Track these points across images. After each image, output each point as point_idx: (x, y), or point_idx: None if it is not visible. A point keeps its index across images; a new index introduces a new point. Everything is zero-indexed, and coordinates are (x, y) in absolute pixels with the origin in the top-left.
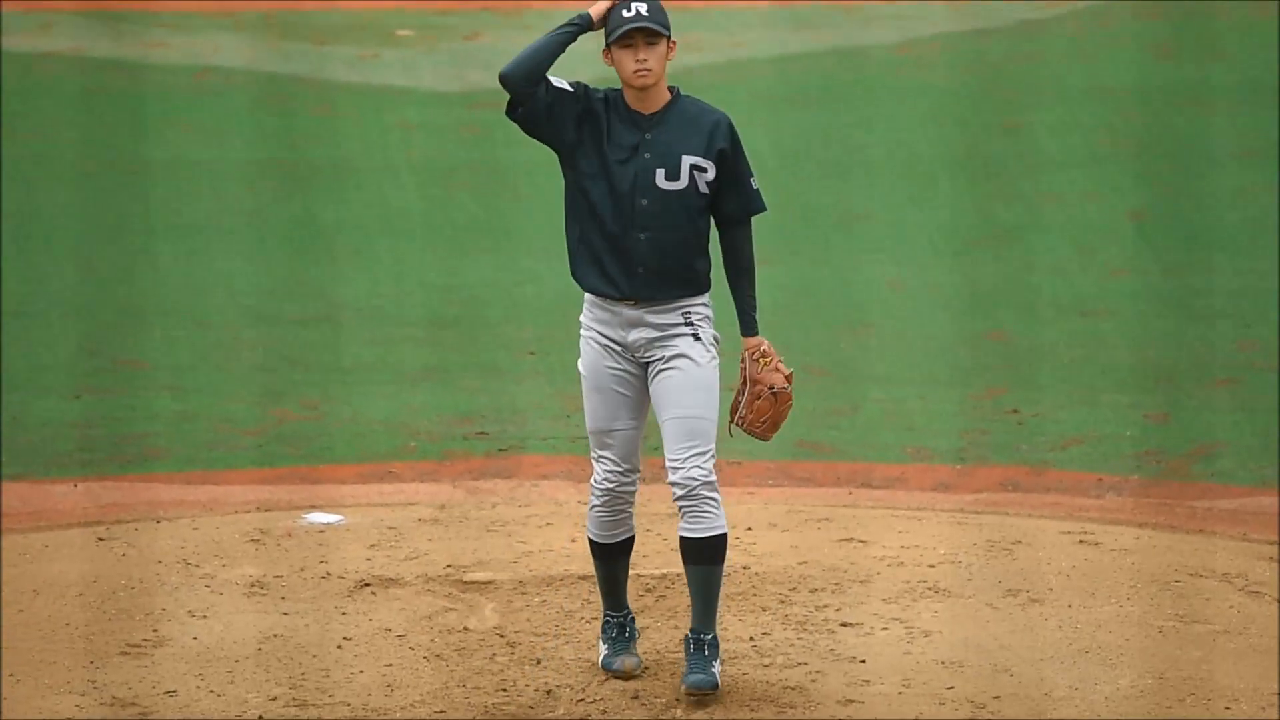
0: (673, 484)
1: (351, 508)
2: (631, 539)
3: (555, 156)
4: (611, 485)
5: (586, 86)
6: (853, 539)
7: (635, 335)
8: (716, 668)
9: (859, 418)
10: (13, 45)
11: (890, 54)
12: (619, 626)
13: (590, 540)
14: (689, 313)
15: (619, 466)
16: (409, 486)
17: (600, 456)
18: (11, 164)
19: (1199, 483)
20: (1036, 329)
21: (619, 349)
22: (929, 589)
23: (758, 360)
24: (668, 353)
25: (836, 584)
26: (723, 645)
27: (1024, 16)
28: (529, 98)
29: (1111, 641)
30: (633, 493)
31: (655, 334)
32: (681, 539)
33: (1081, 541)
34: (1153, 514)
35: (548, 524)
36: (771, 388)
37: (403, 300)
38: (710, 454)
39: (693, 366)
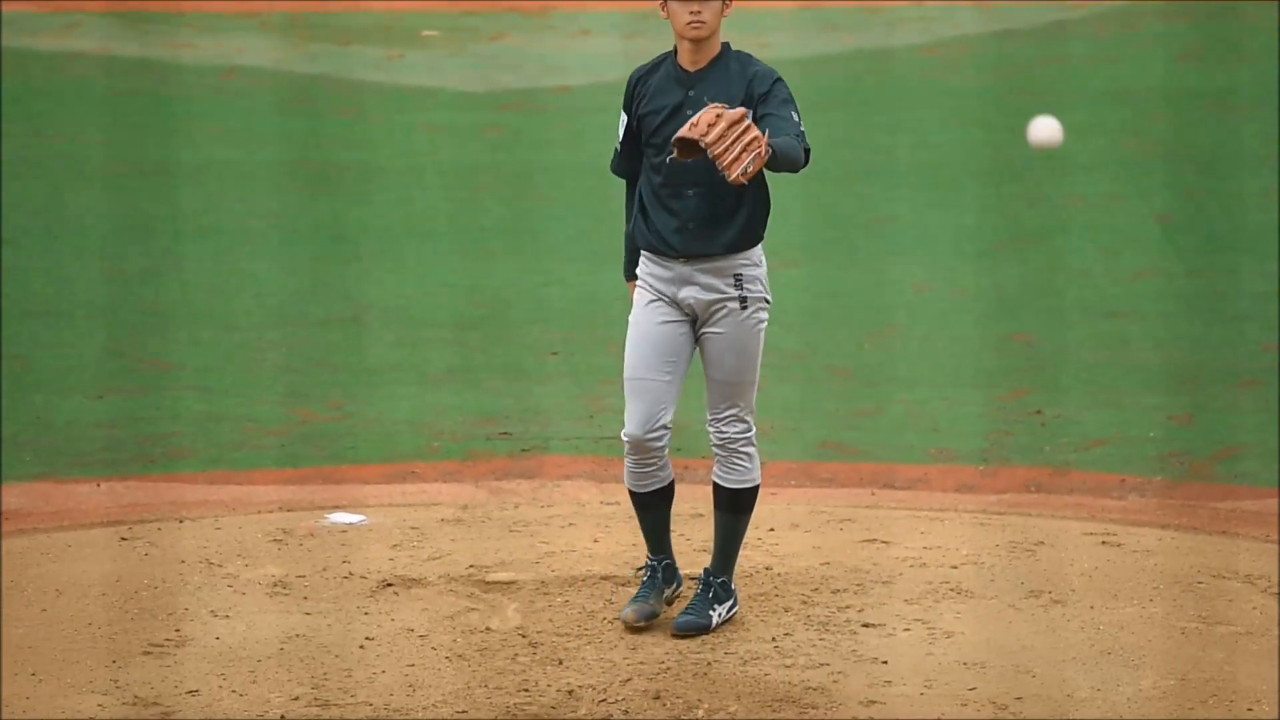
0: (712, 438)
1: (374, 508)
2: (667, 489)
3: (578, 160)
4: (637, 435)
5: (632, 89)
6: (875, 540)
7: (685, 293)
8: (718, 611)
9: (882, 419)
10: (40, 45)
11: (916, 56)
12: (650, 570)
13: (627, 489)
14: (740, 274)
15: (644, 417)
16: (432, 487)
17: (629, 405)
18: (38, 164)
19: (1223, 484)
20: (1061, 331)
21: (668, 304)
22: (951, 590)
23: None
24: (717, 313)
25: (859, 585)
26: (744, 645)
27: (1050, 18)
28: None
29: (1134, 643)
30: (661, 448)
31: (705, 295)
32: (714, 485)
33: (1104, 543)
34: (1176, 515)
35: (570, 524)
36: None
37: (428, 301)
38: (748, 415)
39: (732, 333)
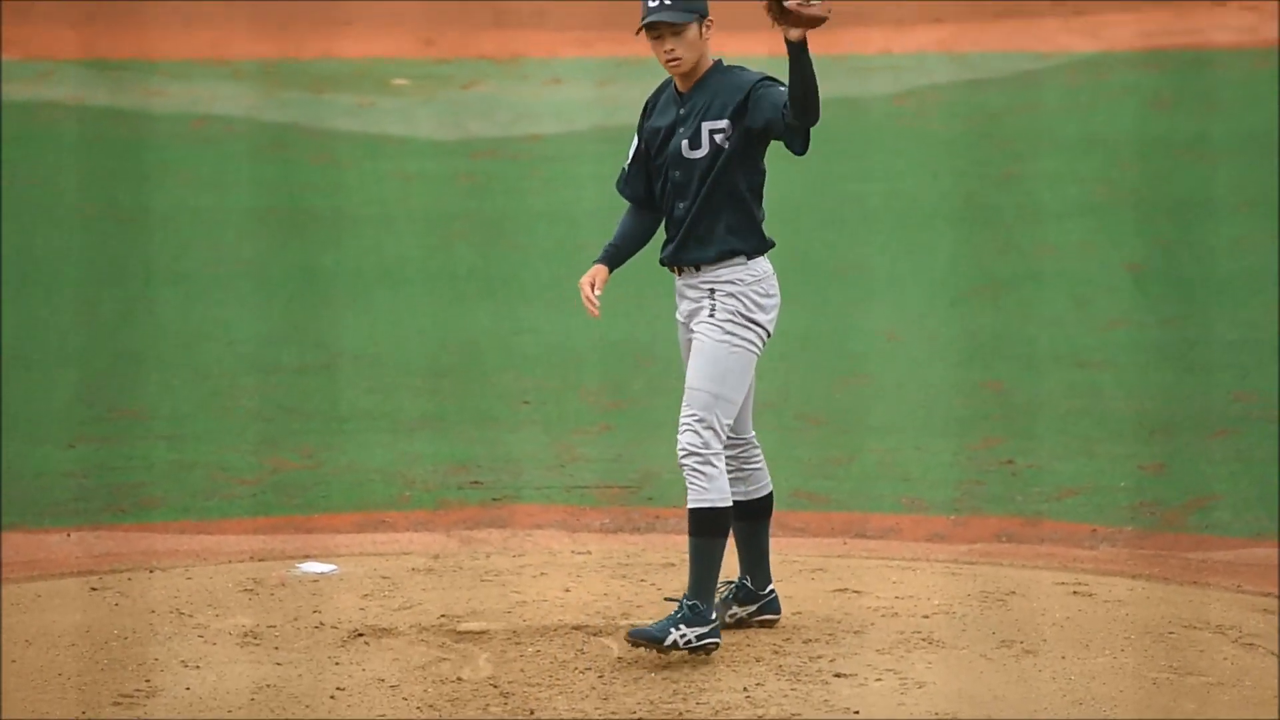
0: None
1: (346, 557)
2: (747, 504)
3: (550, 207)
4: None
5: (643, 111)
6: (847, 589)
7: (682, 307)
8: (680, 632)
9: (854, 468)
10: (13, 94)
11: (888, 104)
12: (728, 585)
13: None
14: (714, 288)
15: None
16: (403, 536)
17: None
18: (11, 211)
19: (1194, 534)
20: (1033, 380)
21: (682, 322)
22: (923, 640)
23: None
24: (694, 319)
25: (830, 634)
26: (716, 695)
27: (1021, 67)
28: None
29: (1105, 693)
30: (730, 459)
31: (692, 305)
32: None
33: (1076, 593)
34: (1147, 565)
35: (542, 574)
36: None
37: (400, 349)
38: (704, 429)
39: (702, 339)
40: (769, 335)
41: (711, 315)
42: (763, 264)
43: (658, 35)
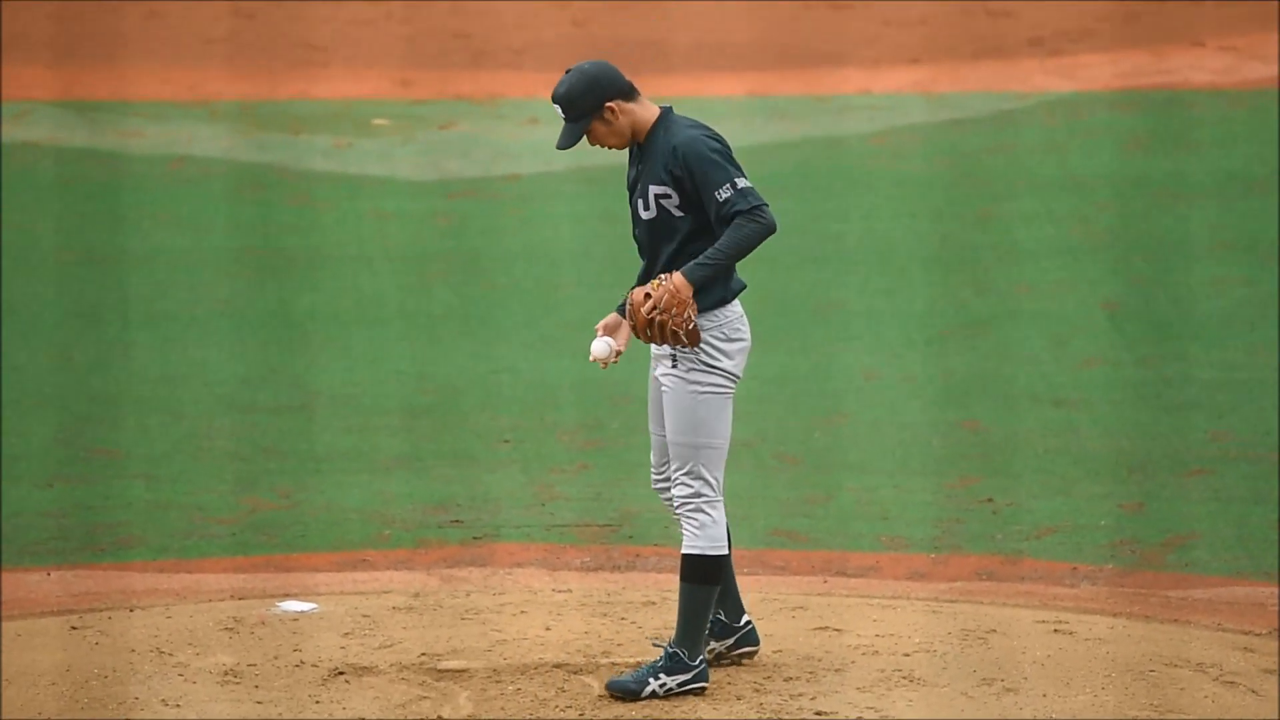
0: None
1: (325, 596)
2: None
3: (528, 247)
4: (654, 485)
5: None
6: (827, 627)
7: (653, 351)
8: (660, 681)
9: (833, 506)
10: None
11: (865, 144)
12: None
13: None
14: None
15: (656, 468)
16: (383, 574)
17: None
18: None
19: (1173, 572)
20: (1011, 419)
21: (653, 363)
22: (904, 678)
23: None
24: (661, 368)
25: (811, 673)
26: None
27: (998, 107)
28: None
29: None
30: (670, 498)
31: (656, 350)
32: None
33: (1056, 631)
34: (1127, 603)
35: (522, 612)
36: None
37: (377, 389)
38: (694, 480)
39: (669, 391)
40: (737, 377)
41: (674, 366)
42: (727, 310)
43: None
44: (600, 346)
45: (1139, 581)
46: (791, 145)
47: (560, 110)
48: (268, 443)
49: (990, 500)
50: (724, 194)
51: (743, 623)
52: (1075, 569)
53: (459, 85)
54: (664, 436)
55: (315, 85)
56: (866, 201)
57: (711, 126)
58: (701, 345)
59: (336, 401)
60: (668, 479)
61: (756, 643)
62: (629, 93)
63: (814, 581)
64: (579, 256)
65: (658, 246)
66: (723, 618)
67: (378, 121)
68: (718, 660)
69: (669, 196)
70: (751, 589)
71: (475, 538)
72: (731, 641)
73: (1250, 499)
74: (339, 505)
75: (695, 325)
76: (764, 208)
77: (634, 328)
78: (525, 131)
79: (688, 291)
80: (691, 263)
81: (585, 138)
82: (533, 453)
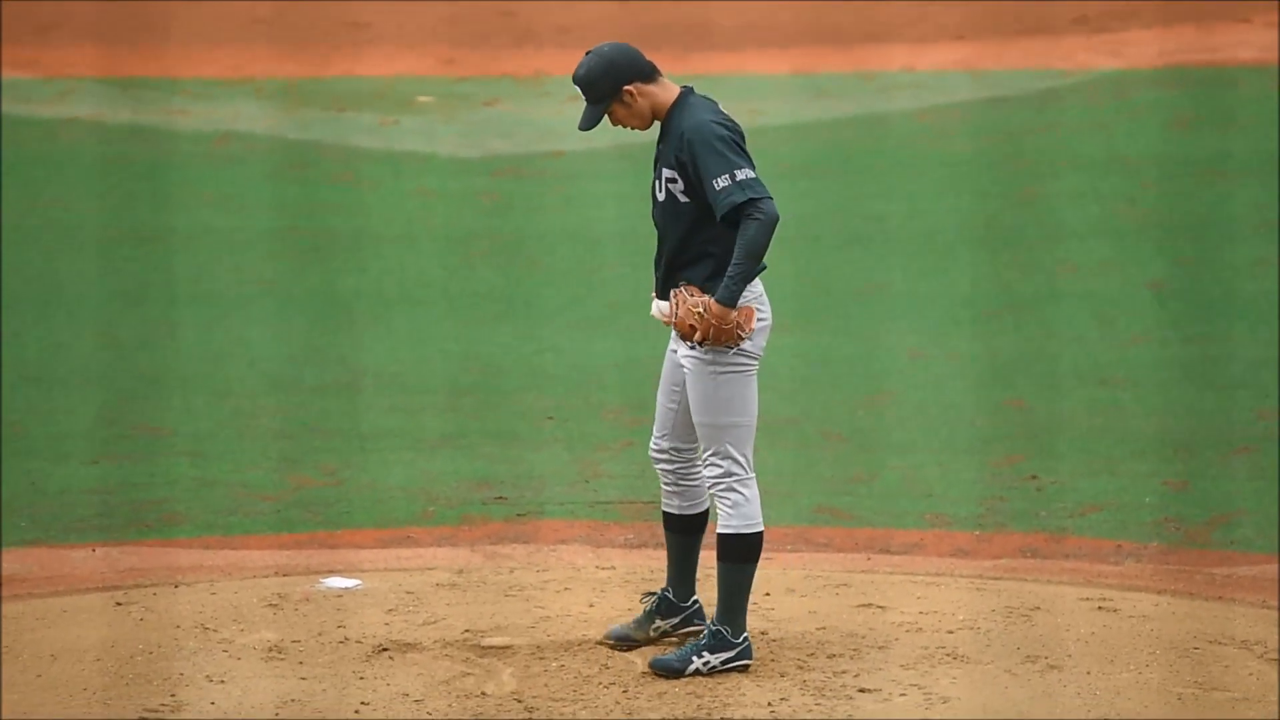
0: None
1: (369, 572)
2: (683, 518)
3: (571, 226)
4: (651, 453)
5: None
6: (871, 605)
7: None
8: (704, 659)
9: (877, 485)
10: (34, 113)
11: (909, 123)
12: (655, 598)
13: None
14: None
15: (656, 439)
16: (427, 551)
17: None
18: (32, 231)
19: (1218, 550)
20: (1056, 398)
21: (672, 339)
22: (947, 655)
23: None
24: (682, 358)
25: (855, 650)
26: (740, 710)
27: (1042, 86)
28: None
29: (1130, 708)
30: (669, 471)
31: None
32: None
33: (1100, 608)
34: (1171, 581)
35: (566, 589)
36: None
37: (422, 367)
38: (725, 460)
39: (691, 373)
40: (758, 355)
41: (693, 347)
42: (746, 291)
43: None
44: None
45: (1183, 559)
46: (835, 124)
47: (580, 91)
48: (313, 421)
49: (1034, 478)
50: (721, 183)
51: (690, 602)
52: (1120, 546)
53: (503, 63)
54: (673, 409)
55: (360, 63)
56: (910, 181)
57: (725, 111)
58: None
59: (381, 380)
60: (665, 450)
61: (704, 619)
62: (649, 75)
63: (858, 559)
64: (623, 235)
65: (667, 229)
66: (670, 596)
67: (422, 99)
68: (663, 637)
69: (675, 181)
70: (795, 566)
71: (519, 515)
72: (678, 620)
73: None
74: (383, 483)
75: (746, 335)
76: (762, 200)
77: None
78: (569, 109)
79: (730, 315)
80: (720, 288)
81: (607, 119)
82: (576, 431)
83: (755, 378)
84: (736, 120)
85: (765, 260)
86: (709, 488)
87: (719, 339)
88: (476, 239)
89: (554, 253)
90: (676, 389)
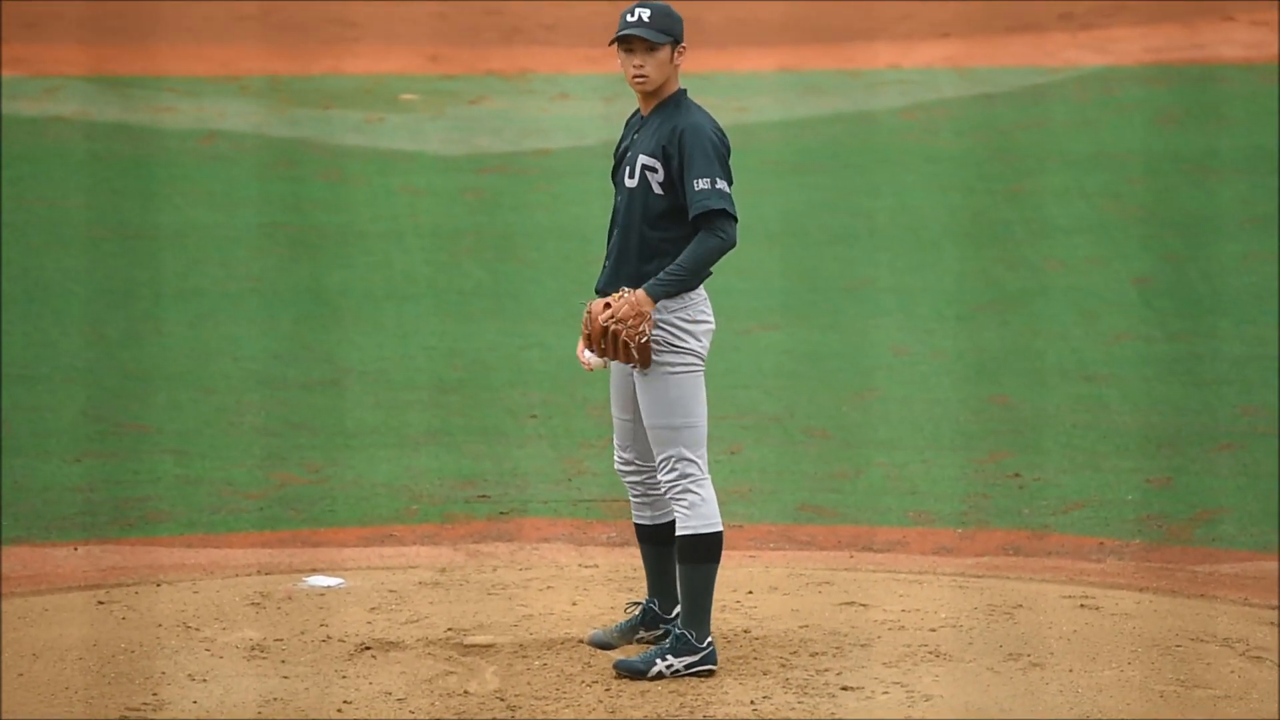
0: None
1: (352, 571)
2: (654, 529)
3: (558, 223)
4: (617, 466)
5: (623, 131)
6: (854, 602)
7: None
8: (667, 662)
9: (861, 481)
10: (20, 110)
11: (896, 119)
12: (640, 608)
13: None
14: None
15: (620, 452)
16: (410, 549)
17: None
18: (18, 229)
19: (1201, 547)
20: (1040, 394)
21: None
22: (930, 653)
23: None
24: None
25: (837, 647)
26: (723, 709)
27: (1029, 82)
28: None
29: (1112, 706)
30: (637, 483)
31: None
32: None
33: (1083, 606)
34: (1154, 578)
35: (549, 587)
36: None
37: (407, 364)
38: (679, 463)
39: (640, 378)
40: (703, 357)
41: (595, 355)
42: (692, 294)
43: (629, 49)
44: (592, 356)
45: (1166, 556)
46: (822, 121)
47: (647, 15)
48: (298, 418)
49: (1018, 475)
50: (702, 184)
51: (674, 615)
52: (1102, 544)
53: (489, 60)
54: (628, 420)
55: (346, 61)
56: (897, 177)
57: (718, 120)
58: (668, 326)
59: (366, 377)
60: (630, 462)
61: None
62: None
63: (841, 556)
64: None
65: (631, 218)
66: (656, 608)
67: (408, 97)
68: (639, 642)
69: (655, 170)
70: (778, 564)
71: (502, 513)
72: (660, 633)
73: (1278, 474)
74: (368, 480)
75: (649, 342)
76: (731, 222)
77: (588, 337)
78: (556, 107)
79: (649, 306)
80: (653, 280)
81: (635, 53)
82: (561, 428)
83: (703, 380)
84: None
85: (712, 270)
86: (664, 491)
87: (625, 319)
88: (463, 236)
89: (540, 250)
90: (629, 400)
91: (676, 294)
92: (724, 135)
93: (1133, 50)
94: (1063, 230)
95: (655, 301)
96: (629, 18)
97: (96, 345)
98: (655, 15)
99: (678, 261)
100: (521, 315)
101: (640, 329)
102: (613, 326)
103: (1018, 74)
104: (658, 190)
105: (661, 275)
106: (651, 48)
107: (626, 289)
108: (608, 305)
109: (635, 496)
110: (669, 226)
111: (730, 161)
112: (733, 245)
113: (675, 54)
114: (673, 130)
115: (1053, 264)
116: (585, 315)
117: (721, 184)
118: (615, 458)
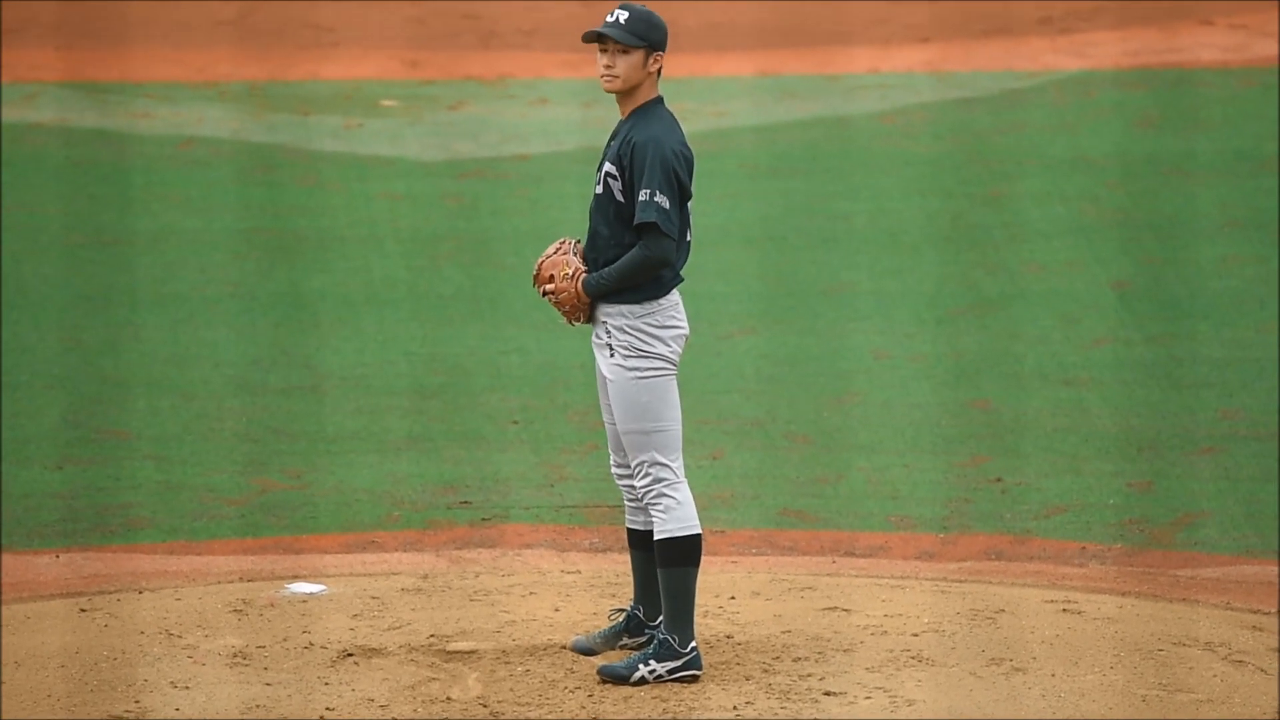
0: None
1: (334, 577)
2: (646, 534)
3: (537, 227)
4: (611, 471)
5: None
6: (836, 608)
7: (594, 343)
8: (650, 668)
9: (843, 486)
10: None
11: (874, 123)
12: (625, 615)
13: None
14: (610, 326)
15: (613, 456)
16: (392, 556)
17: None
18: None
19: (1182, 551)
20: (1020, 398)
21: (596, 356)
22: (912, 658)
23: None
24: (599, 359)
25: (820, 653)
26: (706, 714)
27: (1007, 86)
28: None
29: (1095, 710)
30: (630, 488)
31: (597, 341)
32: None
33: (1065, 610)
34: (1136, 583)
35: (531, 593)
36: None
37: (387, 370)
38: (653, 468)
39: (613, 382)
40: (674, 362)
41: (612, 355)
42: (660, 301)
43: (603, 48)
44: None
45: (1147, 560)
46: (800, 125)
47: (625, 17)
48: (278, 424)
49: (999, 480)
50: (644, 196)
51: (657, 623)
52: (1084, 548)
53: (468, 66)
54: (615, 426)
55: (324, 66)
56: (876, 181)
57: (683, 132)
58: (635, 332)
59: (346, 383)
60: (622, 465)
61: None
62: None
63: (823, 561)
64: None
65: (599, 223)
66: (640, 615)
67: (386, 102)
68: (623, 649)
69: (615, 179)
70: (760, 569)
71: (484, 519)
72: (644, 640)
73: (1259, 477)
74: (349, 486)
75: (580, 323)
76: (665, 239)
77: (535, 277)
78: (534, 112)
79: (583, 300)
80: (595, 275)
81: (608, 51)
82: (542, 433)
83: (675, 384)
84: (691, 149)
85: (683, 274)
86: (640, 496)
87: (563, 305)
88: (442, 241)
89: (520, 254)
90: (610, 404)
91: (613, 292)
92: (685, 149)
93: (1111, 54)
94: (1041, 234)
95: (591, 297)
96: (608, 17)
97: (75, 351)
98: (633, 18)
99: (613, 266)
100: (501, 320)
101: (577, 315)
102: (551, 300)
103: (996, 78)
104: (619, 197)
105: (599, 275)
106: (623, 50)
107: (583, 270)
108: (551, 278)
109: (629, 501)
110: (630, 232)
111: (693, 174)
112: (662, 259)
113: (650, 60)
114: (630, 142)
115: (1032, 267)
116: (535, 271)
117: (660, 198)
118: (611, 463)
